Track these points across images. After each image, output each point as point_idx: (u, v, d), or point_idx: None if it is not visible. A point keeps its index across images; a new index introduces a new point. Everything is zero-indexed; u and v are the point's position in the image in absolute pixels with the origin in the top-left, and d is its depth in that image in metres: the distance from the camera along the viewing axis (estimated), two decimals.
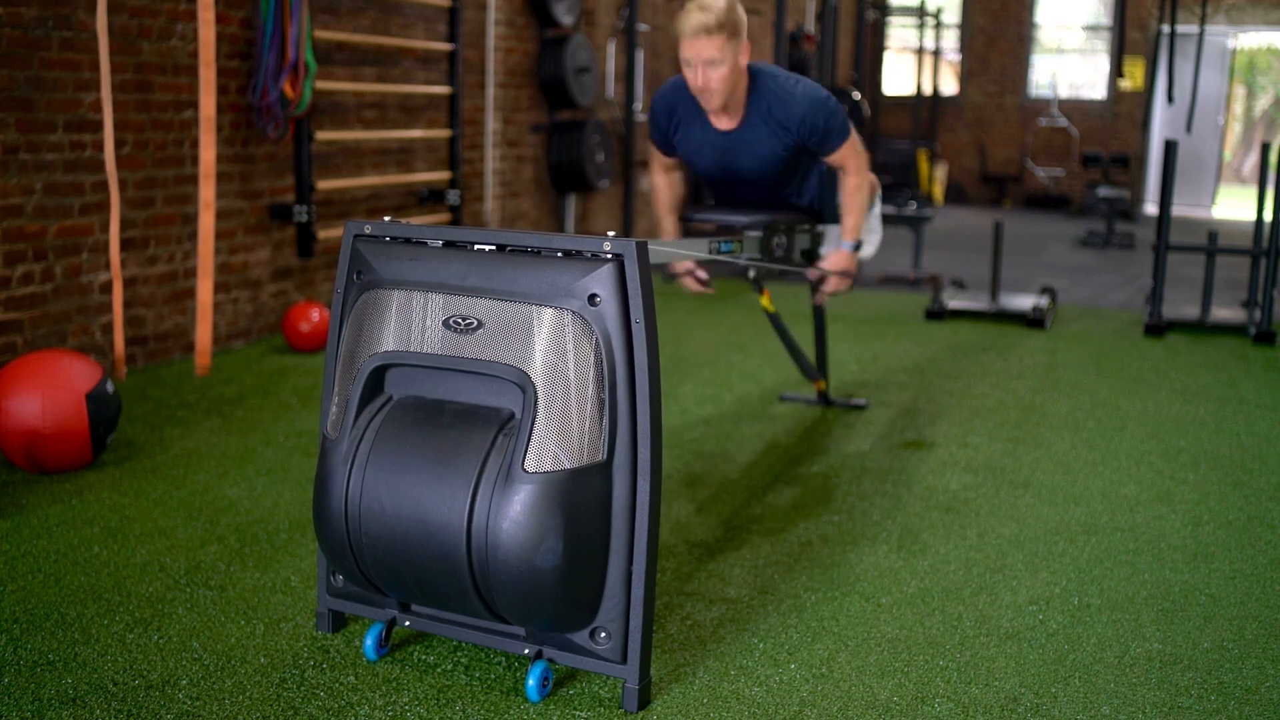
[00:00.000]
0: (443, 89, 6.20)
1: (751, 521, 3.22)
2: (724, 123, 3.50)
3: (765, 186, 3.64)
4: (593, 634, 2.18)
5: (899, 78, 15.55)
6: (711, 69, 3.28)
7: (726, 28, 3.24)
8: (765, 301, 4.06)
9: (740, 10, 3.31)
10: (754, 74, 3.45)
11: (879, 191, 4.25)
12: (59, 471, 3.40)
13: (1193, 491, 3.58)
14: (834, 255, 3.77)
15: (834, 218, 3.89)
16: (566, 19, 7.26)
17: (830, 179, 3.75)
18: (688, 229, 3.69)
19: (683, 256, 3.20)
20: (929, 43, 14.09)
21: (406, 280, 2.25)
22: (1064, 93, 14.69)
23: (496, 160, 6.95)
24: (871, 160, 13.13)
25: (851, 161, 3.59)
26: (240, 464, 3.57)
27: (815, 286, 3.89)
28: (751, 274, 3.66)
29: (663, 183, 3.85)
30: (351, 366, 2.29)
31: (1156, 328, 6.10)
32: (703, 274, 3.69)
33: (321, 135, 5.30)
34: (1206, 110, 13.89)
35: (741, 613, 2.63)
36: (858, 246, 3.75)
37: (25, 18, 4.07)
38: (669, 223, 3.87)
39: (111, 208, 4.24)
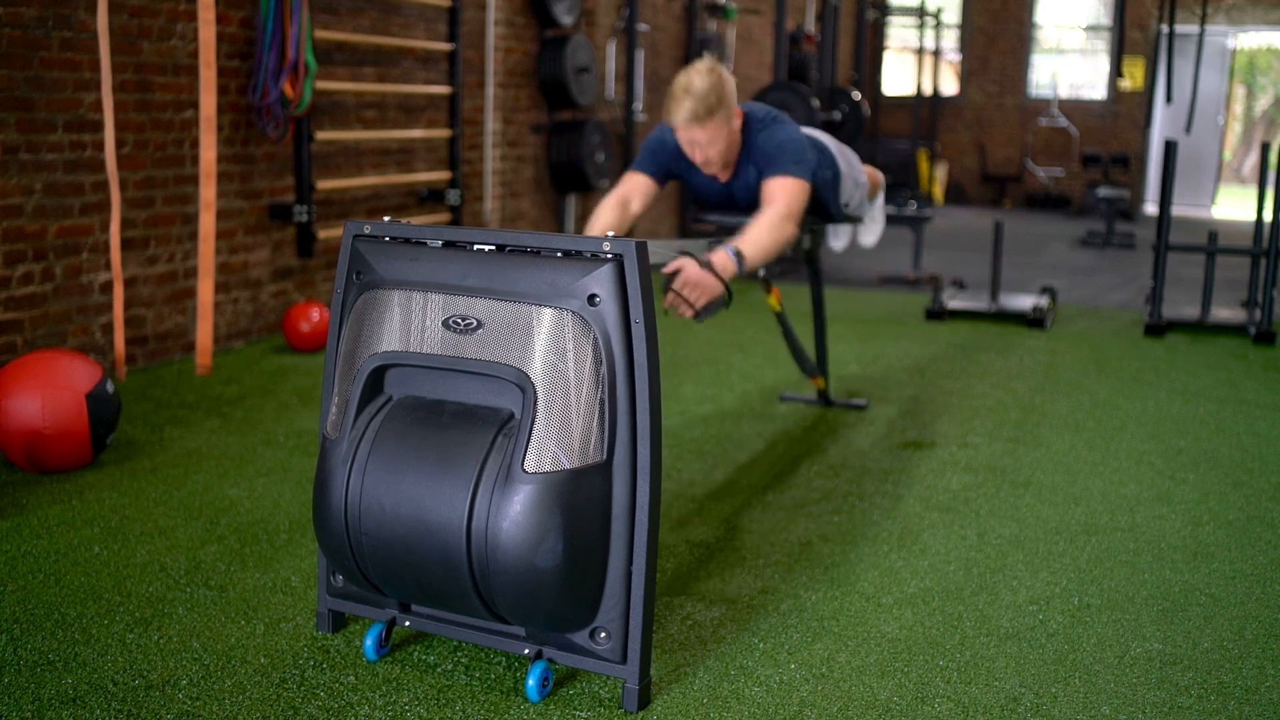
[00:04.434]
0: (443, 89, 6.20)
1: (751, 521, 3.22)
2: (724, 175, 3.54)
3: None
4: (593, 634, 2.18)
5: (899, 78, 15.55)
6: (710, 147, 3.33)
7: (716, 111, 3.26)
8: (773, 301, 4.05)
9: (724, 83, 3.28)
10: (745, 123, 3.45)
11: (882, 187, 4.27)
12: (59, 471, 3.39)
13: (1193, 491, 3.58)
14: (713, 252, 3.11)
15: (840, 216, 3.90)
16: (566, 19, 7.26)
17: (832, 183, 3.73)
18: (694, 230, 3.68)
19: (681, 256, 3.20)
20: (929, 43, 14.09)
21: (406, 280, 2.25)
22: (1064, 93, 14.69)
23: (496, 160, 6.95)
24: (872, 160, 13.13)
25: (781, 199, 3.27)
26: (240, 464, 3.57)
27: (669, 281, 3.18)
28: (761, 273, 3.66)
29: (609, 218, 3.39)
30: (351, 366, 2.29)
31: (1156, 328, 6.10)
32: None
33: (321, 135, 5.30)
34: (1206, 110, 13.89)
35: (741, 613, 2.63)
36: (741, 262, 3.09)
37: (25, 18, 4.07)
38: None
39: (113, 208, 4.24)
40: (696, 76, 3.26)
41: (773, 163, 3.36)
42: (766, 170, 3.38)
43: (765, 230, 3.18)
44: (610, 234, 2.15)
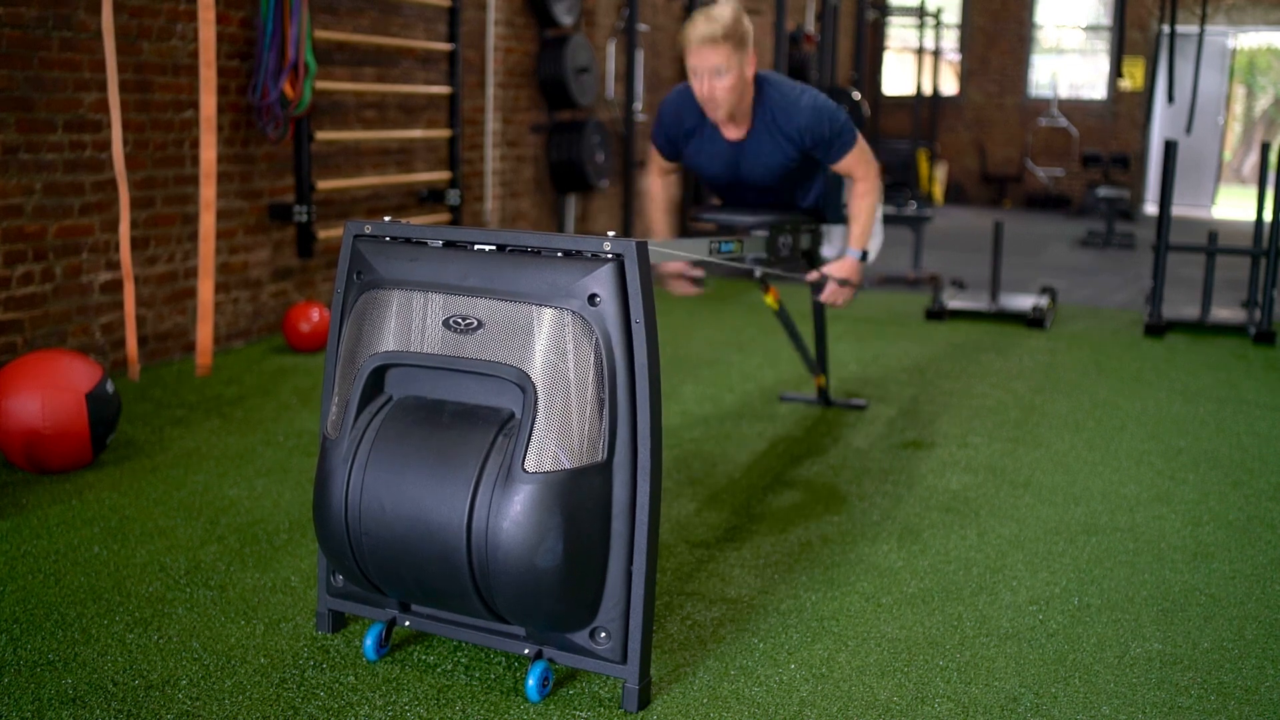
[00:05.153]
0: (443, 89, 6.20)
1: (751, 521, 3.22)
2: (732, 132, 3.52)
3: (772, 190, 3.66)
4: (593, 634, 2.18)
5: (899, 78, 15.54)
6: (717, 78, 3.31)
7: (732, 38, 3.27)
8: (770, 300, 4.08)
9: (746, 21, 3.33)
10: (760, 83, 3.47)
11: (880, 194, 4.28)
12: (59, 471, 3.39)
13: (1193, 491, 3.58)
14: (839, 262, 3.66)
15: (837, 218, 3.92)
16: (566, 19, 7.26)
17: (835, 181, 3.78)
18: (692, 229, 3.72)
19: (683, 257, 3.20)
20: (929, 43, 14.09)
21: (407, 280, 2.25)
22: (1064, 93, 14.69)
23: (496, 160, 6.95)
24: None
25: (859, 169, 3.54)
26: (240, 464, 3.57)
27: (816, 288, 3.83)
28: (758, 272, 3.67)
29: (659, 186, 3.81)
30: (351, 366, 2.29)
31: (1156, 328, 6.10)
32: (697, 273, 3.68)
33: (321, 135, 5.30)
34: (1206, 110, 13.89)
35: (741, 613, 2.63)
36: (864, 256, 3.65)
37: (25, 18, 4.07)
38: (662, 224, 3.84)
39: (122, 208, 4.23)
40: (716, 7, 3.30)
41: (825, 140, 3.44)
42: (823, 151, 3.47)
43: (863, 213, 3.60)
44: (611, 234, 2.15)
